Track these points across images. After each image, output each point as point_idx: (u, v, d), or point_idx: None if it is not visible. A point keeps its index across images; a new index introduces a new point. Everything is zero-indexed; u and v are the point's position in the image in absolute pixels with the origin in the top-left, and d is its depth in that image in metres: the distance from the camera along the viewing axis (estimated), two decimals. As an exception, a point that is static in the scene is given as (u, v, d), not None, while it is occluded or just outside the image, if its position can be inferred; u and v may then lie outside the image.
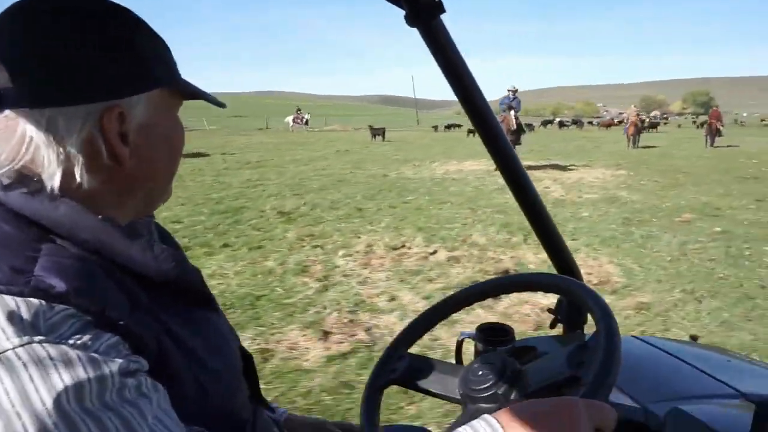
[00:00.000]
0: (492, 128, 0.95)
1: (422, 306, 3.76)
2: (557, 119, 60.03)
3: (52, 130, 0.55)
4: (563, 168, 12.86)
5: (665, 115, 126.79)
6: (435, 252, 5.17)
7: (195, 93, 0.68)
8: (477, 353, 0.98)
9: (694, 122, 55.02)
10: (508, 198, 8.52)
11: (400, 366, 0.87)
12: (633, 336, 1.26)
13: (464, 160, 14.99)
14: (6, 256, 0.52)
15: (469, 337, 1.04)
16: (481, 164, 13.43)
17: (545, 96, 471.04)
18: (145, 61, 0.61)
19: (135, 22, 0.62)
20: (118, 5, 0.61)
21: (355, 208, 7.59)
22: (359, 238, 5.81)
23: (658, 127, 43.14)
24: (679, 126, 55.86)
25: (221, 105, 0.73)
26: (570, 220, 6.77)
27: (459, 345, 1.06)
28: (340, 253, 5.19)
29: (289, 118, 38.36)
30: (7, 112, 0.55)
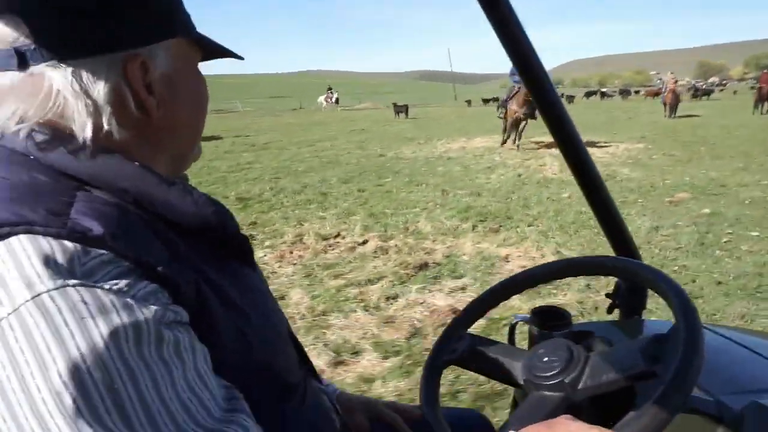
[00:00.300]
0: (549, 96, 0.90)
1: (303, 308, 3.38)
2: (602, 90, 57.18)
3: (77, 82, 0.55)
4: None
5: (724, 81, 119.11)
6: (366, 242, 4.75)
7: (213, 46, 0.68)
8: (532, 337, 0.95)
9: (753, 88, 51.17)
10: (492, 178, 7.97)
11: (460, 346, 0.85)
12: (704, 325, 1.23)
13: (476, 136, 14.32)
14: (42, 200, 0.51)
15: (522, 321, 1.01)
16: (490, 141, 12.78)
17: (596, 65, 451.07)
18: (163, 11, 0.61)
19: None
20: None
21: (320, 192, 7.22)
22: (302, 225, 5.45)
23: (712, 95, 40.24)
24: (735, 92, 52.10)
25: (239, 57, 0.73)
26: (544, 202, 6.17)
27: (512, 328, 1.03)
28: (266, 243, 4.86)
29: (322, 98, 38.16)
30: (31, 69, 0.54)
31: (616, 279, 1.13)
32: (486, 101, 44.62)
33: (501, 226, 5.17)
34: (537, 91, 0.91)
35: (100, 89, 0.56)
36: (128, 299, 0.48)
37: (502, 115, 11.96)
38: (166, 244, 0.56)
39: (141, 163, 0.59)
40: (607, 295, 1.20)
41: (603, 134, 13.64)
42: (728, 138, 12.13)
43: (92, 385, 0.43)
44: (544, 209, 5.78)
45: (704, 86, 48.05)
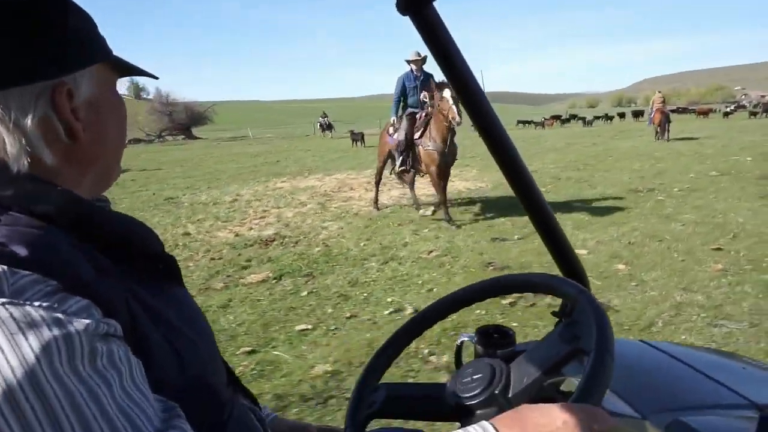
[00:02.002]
0: (489, 119, 0.86)
1: None
2: (635, 110, 52.63)
3: (6, 114, 0.56)
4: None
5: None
6: None
7: (129, 67, 0.70)
8: (477, 356, 0.89)
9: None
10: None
11: (378, 397, 0.83)
12: (642, 341, 1.17)
13: (346, 171, 12.63)
14: None
15: (468, 340, 0.96)
16: (337, 176, 11.04)
17: (674, 81, 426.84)
18: (82, 38, 0.62)
19: (65, 1, 0.62)
20: None
21: None
22: None
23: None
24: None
25: (154, 77, 0.77)
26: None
27: (458, 348, 0.99)
28: None
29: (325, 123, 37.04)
30: None
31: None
32: (525, 123, 42.24)
33: None
34: (475, 110, 0.84)
35: (29, 120, 0.57)
36: (59, 314, 0.47)
37: (405, 166, 6.96)
38: (93, 263, 0.55)
39: (64, 187, 0.59)
40: (554, 314, 1.02)
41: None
42: (628, 173, 9.80)
43: (25, 401, 0.43)
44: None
45: (763, 103, 42.17)
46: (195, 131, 51.11)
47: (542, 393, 0.71)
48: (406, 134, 6.74)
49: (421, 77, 6.89)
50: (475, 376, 0.73)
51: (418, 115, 6.79)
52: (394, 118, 7.11)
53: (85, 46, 0.62)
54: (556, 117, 44.75)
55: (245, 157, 19.69)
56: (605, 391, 0.62)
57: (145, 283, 0.62)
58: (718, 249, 4.67)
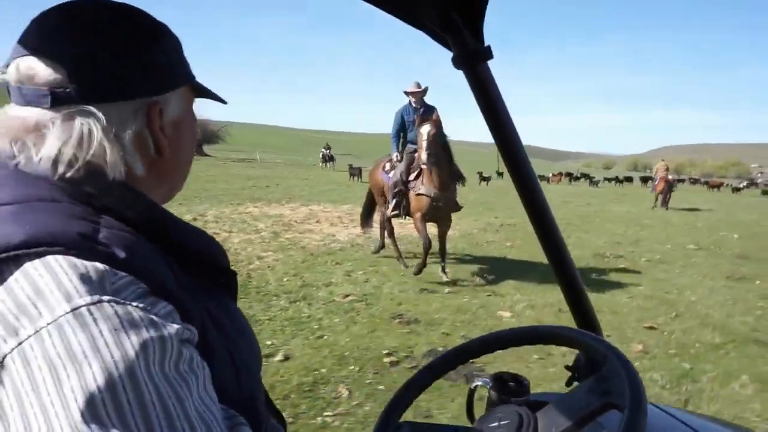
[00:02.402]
0: (527, 176, 0.92)
1: None
2: (645, 176, 52.45)
3: (109, 125, 0.59)
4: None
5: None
6: None
7: (204, 90, 0.74)
8: (490, 403, 0.90)
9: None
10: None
11: None
12: (654, 405, 1.14)
13: (324, 203, 12.44)
14: (73, 225, 0.53)
15: (482, 385, 0.94)
16: (297, 209, 10.83)
17: (691, 152, 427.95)
18: (175, 60, 0.67)
19: (161, 25, 0.67)
20: (140, 9, 0.65)
21: None
22: None
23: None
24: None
25: (223, 101, 0.80)
26: None
27: (471, 392, 0.97)
28: None
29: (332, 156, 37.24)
30: (64, 110, 0.58)
31: (577, 351, 1.04)
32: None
33: None
34: (515, 167, 0.89)
35: (128, 133, 0.61)
36: (153, 316, 0.50)
37: (399, 211, 5.93)
38: (172, 270, 0.58)
39: (148, 197, 0.62)
40: (567, 368, 1.09)
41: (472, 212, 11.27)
42: (606, 237, 9.48)
43: (122, 391, 0.45)
44: None
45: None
46: (207, 149, 51.54)
47: None
48: (401, 175, 5.84)
49: (422, 110, 5.99)
50: (502, 422, 0.73)
51: (417, 154, 5.67)
52: (396, 153, 6.24)
53: (177, 68, 0.67)
54: (568, 174, 44.70)
55: (240, 179, 19.63)
56: None
57: (212, 295, 0.65)
58: (652, 328, 4.33)
